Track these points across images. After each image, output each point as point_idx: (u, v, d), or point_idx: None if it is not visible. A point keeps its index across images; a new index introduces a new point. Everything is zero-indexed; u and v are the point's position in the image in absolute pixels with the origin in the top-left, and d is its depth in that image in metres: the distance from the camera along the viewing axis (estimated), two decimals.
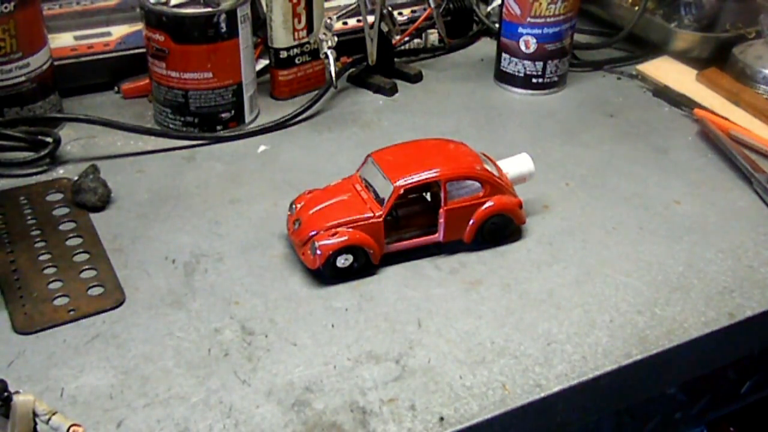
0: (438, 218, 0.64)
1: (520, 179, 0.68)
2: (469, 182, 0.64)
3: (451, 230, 0.64)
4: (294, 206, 0.65)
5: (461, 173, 0.64)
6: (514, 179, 0.67)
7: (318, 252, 0.60)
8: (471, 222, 0.64)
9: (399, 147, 0.66)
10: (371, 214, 0.61)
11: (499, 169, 0.67)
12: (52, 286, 0.60)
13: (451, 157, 0.65)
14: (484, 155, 0.67)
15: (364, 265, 0.62)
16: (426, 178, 0.62)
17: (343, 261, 0.61)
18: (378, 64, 0.90)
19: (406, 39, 0.96)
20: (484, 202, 0.64)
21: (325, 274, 0.61)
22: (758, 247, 0.67)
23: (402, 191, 0.62)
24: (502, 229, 0.65)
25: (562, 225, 0.68)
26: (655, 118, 0.87)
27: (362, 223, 0.61)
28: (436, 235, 0.64)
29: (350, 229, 0.61)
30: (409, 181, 0.62)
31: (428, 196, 0.67)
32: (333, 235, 0.61)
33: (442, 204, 0.63)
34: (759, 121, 0.83)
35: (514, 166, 0.68)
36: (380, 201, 0.62)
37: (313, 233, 0.61)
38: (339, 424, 0.50)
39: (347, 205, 0.63)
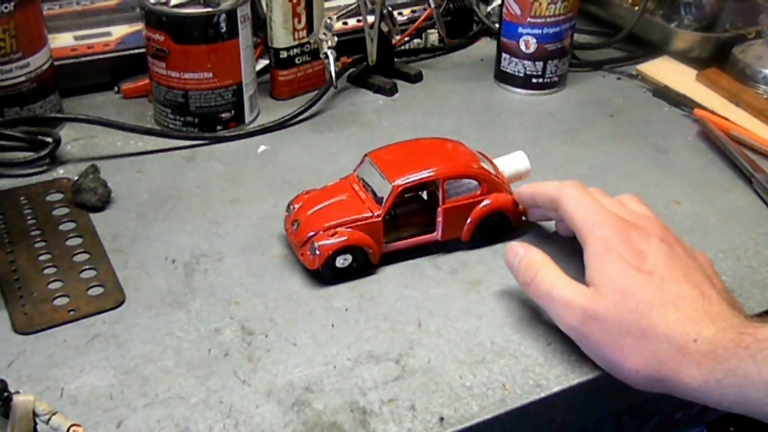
0: (436, 217, 0.64)
1: (516, 177, 0.68)
2: (467, 181, 0.64)
3: (449, 229, 0.64)
4: (292, 207, 0.64)
5: (459, 172, 0.63)
6: (510, 177, 0.67)
7: (317, 252, 0.60)
8: (469, 220, 0.64)
9: (396, 146, 0.66)
10: (370, 214, 0.61)
11: (495, 167, 0.67)
12: (52, 286, 0.60)
13: (449, 156, 0.65)
14: (481, 153, 0.67)
15: (363, 265, 0.62)
16: (424, 177, 0.62)
17: (343, 261, 0.61)
18: (378, 64, 0.90)
19: (406, 39, 0.96)
20: (482, 201, 0.64)
21: (324, 274, 0.61)
22: (758, 247, 0.67)
23: (400, 190, 0.62)
24: (499, 226, 0.65)
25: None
26: (655, 118, 0.87)
27: (361, 222, 0.61)
28: (434, 233, 0.64)
29: (349, 229, 0.61)
30: (408, 181, 0.62)
31: (425, 195, 0.67)
32: (332, 235, 0.60)
33: (440, 203, 0.63)
34: (759, 121, 0.83)
35: (510, 164, 0.68)
36: (378, 200, 0.62)
37: (311, 234, 0.61)
38: (339, 424, 0.50)
39: (346, 205, 0.62)
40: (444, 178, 0.63)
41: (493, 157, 0.68)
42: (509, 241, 0.66)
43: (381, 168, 0.63)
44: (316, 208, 0.63)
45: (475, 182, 0.64)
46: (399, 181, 0.62)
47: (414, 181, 0.62)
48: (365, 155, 0.65)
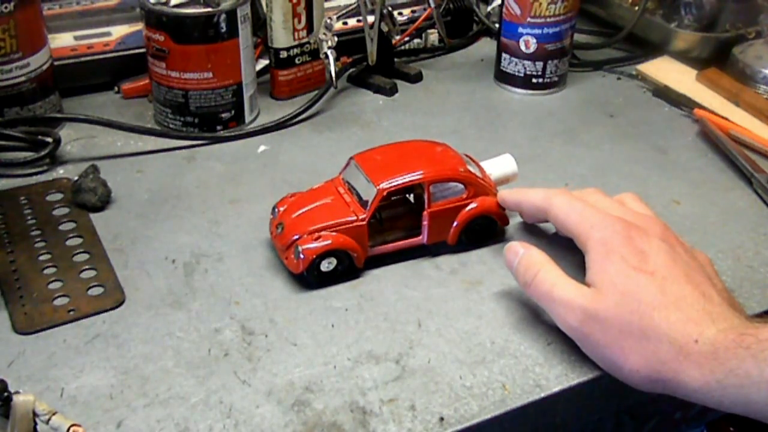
0: (422, 220, 0.63)
1: (503, 180, 0.68)
2: (453, 184, 0.64)
3: (434, 232, 0.64)
4: (276, 210, 0.64)
5: (444, 175, 0.63)
6: (497, 180, 0.67)
7: (301, 256, 0.60)
8: (455, 224, 0.64)
9: (382, 149, 0.66)
10: (355, 218, 0.61)
11: (482, 170, 0.67)
12: (52, 286, 0.60)
13: (435, 159, 0.64)
14: (467, 156, 0.67)
15: (348, 269, 0.62)
16: (409, 181, 0.62)
17: (327, 265, 0.61)
18: (378, 64, 0.90)
19: (406, 39, 0.96)
20: (468, 204, 0.64)
21: (309, 278, 0.61)
22: (758, 247, 0.67)
23: (385, 193, 0.61)
24: (486, 230, 0.65)
25: None
26: (655, 118, 0.87)
27: (346, 226, 0.61)
28: (420, 237, 0.64)
29: (334, 233, 0.60)
30: (393, 184, 0.61)
31: (411, 198, 0.67)
32: (316, 239, 0.60)
33: (426, 206, 0.63)
34: (759, 121, 0.83)
35: (497, 167, 0.68)
36: (363, 204, 0.62)
37: (296, 237, 0.61)
38: (339, 424, 0.50)
39: (330, 208, 0.62)
40: (429, 182, 0.62)
41: (486, 158, 0.68)
42: (495, 244, 0.66)
43: (366, 171, 0.63)
44: (300, 212, 0.62)
45: (461, 185, 0.64)
46: (384, 185, 0.61)
47: (399, 184, 0.61)
48: (351, 158, 0.65)
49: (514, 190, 0.65)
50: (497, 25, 0.91)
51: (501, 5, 0.89)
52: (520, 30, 0.87)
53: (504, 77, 0.91)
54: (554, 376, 0.54)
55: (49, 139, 0.75)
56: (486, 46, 1.02)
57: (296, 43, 0.86)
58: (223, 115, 0.81)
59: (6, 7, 0.73)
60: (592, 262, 0.55)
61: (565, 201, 0.59)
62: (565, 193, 0.60)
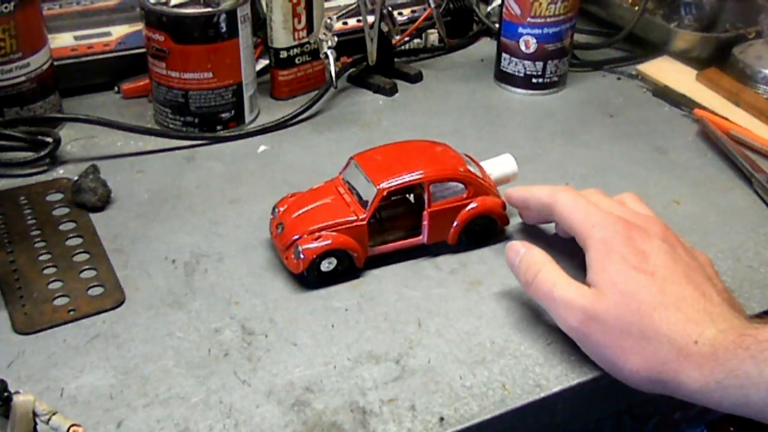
0: (422, 220, 0.63)
1: (503, 180, 0.68)
2: (453, 184, 0.64)
3: (435, 232, 0.64)
4: (276, 210, 0.64)
5: (444, 175, 0.63)
6: (497, 180, 0.67)
7: (301, 256, 0.60)
8: (455, 224, 0.64)
9: (382, 149, 0.66)
10: (355, 218, 0.61)
11: (482, 170, 0.67)
12: (52, 286, 0.60)
13: (435, 159, 0.64)
14: (468, 156, 0.67)
15: (348, 269, 0.62)
16: (409, 180, 0.62)
17: (327, 265, 0.61)
18: (378, 64, 0.90)
19: (406, 39, 0.96)
20: (468, 204, 0.64)
21: (309, 278, 0.61)
22: (758, 247, 0.67)
23: (385, 193, 0.61)
24: (486, 230, 0.65)
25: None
26: (655, 118, 0.87)
27: (346, 226, 0.61)
28: (420, 237, 0.64)
29: (334, 233, 0.60)
30: (393, 184, 0.61)
31: (411, 198, 0.67)
32: (316, 239, 0.60)
33: (426, 206, 0.63)
34: (759, 121, 0.83)
35: (497, 167, 0.68)
36: (363, 204, 0.62)
37: (296, 237, 0.61)
38: (339, 424, 0.50)
39: (330, 208, 0.62)
40: (429, 181, 0.62)
41: (486, 158, 0.68)
42: (496, 244, 0.66)
43: (366, 171, 0.63)
44: (300, 212, 0.62)
45: (461, 185, 0.64)
46: (384, 185, 0.61)
47: (399, 184, 0.61)
48: (351, 157, 0.65)
49: (520, 187, 0.65)
50: (497, 25, 0.91)
51: (501, 5, 0.89)
52: (520, 30, 0.87)
53: (504, 77, 0.91)
54: (554, 376, 0.54)
55: (49, 139, 0.75)
56: (486, 46, 1.02)
57: (296, 43, 0.86)
58: (223, 115, 0.81)
59: (6, 7, 0.73)
60: (592, 261, 0.55)
61: (570, 198, 0.59)
62: (570, 190, 0.61)
